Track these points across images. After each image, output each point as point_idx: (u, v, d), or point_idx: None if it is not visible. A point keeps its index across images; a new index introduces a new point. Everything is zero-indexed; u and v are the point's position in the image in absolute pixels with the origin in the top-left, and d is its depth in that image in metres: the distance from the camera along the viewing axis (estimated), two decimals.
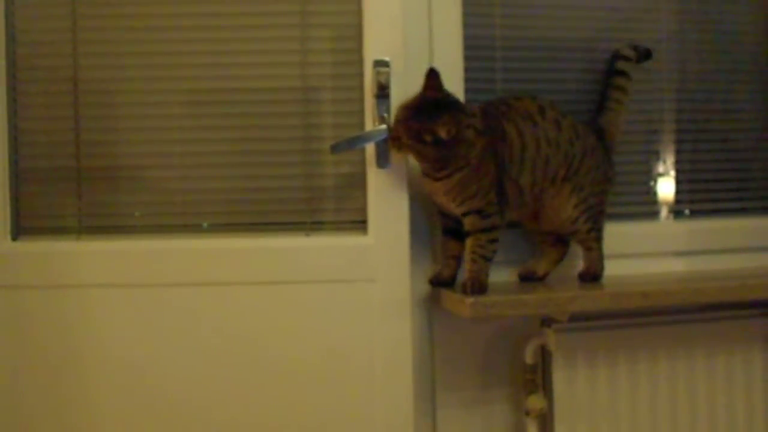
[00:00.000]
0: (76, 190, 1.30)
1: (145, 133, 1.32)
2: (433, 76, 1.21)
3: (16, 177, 1.29)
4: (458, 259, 1.29)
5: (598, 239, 1.33)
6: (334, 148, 1.26)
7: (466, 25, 1.38)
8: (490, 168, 1.23)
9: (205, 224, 1.33)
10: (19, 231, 1.29)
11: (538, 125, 1.27)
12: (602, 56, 1.46)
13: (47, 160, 1.30)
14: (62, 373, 1.25)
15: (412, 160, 1.26)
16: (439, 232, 1.33)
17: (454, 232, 1.29)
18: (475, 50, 1.41)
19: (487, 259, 1.24)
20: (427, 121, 1.18)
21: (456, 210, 1.25)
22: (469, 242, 1.24)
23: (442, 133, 1.17)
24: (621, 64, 1.41)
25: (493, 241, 1.24)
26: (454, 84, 1.36)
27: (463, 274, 1.26)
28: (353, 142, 1.27)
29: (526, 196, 1.27)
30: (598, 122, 1.39)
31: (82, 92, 1.30)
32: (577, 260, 1.38)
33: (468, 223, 1.24)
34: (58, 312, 1.25)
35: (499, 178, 1.24)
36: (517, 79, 1.44)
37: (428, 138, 1.18)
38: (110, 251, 1.27)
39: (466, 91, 1.38)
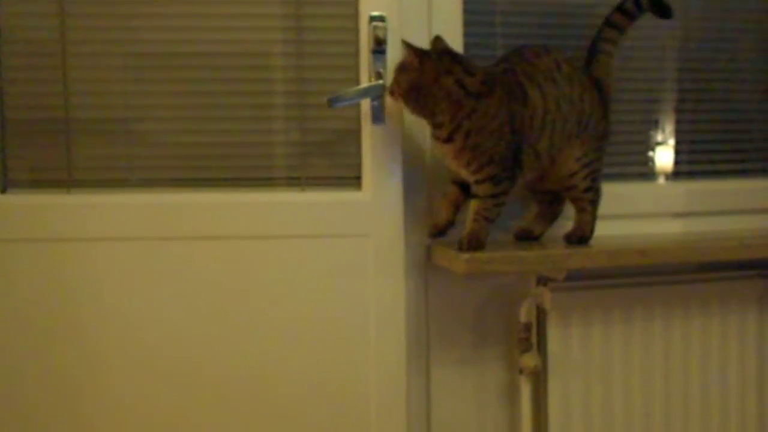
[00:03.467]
0: (65, 142, 1.27)
1: (137, 84, 1.29)
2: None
3: (4, 129, 1.26)
4: (457, 206, 1.28)
5: (594, 202, 1.31)
6: (332, 102, 1.23)
7: None
8: (505, 133, 1.20)
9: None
10: (7, 184, 1.27)
11: (558, 84, 1.24)
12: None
13: (35, 111, 1.28)
14: (52, 326, 1.24)
15: (409, 117, 1.25)
16: (436, 187, 1.33)
17: (462, 184, 1.26)
18: (475, 5, 1.38)
19: (489, 220, 1.22)
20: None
21: (470, 177, 1.22)
22: (473, 204, 1.23)
23: (408, 61, 1.18)
24: (617, 17, 1.34)
25: (500, 205, 1.22)
26: (452, 44, 1.33)
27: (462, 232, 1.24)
28: (352, 97, 1.25)
29: (543, 161, 1.25)
30: (592, 75, 1.33)
31: (70, 42, 1.27)
32: (571, 222, 1.36)
33: (481, 189, 1.21)
34: (47, 265, 1.24)
35: (518, 144, 1.21)
36: (517, 38, 1.41)
37: (400, 72, 1.19)
38: (101, 204, 1.25)
39: (465, 51, 1.35)
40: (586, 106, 1.27)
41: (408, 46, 1.20)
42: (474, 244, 1.21)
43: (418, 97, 1.19)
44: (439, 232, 1.29)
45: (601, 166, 1.31)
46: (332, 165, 1.33)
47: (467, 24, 1.36)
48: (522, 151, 1.22)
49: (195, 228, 1.26)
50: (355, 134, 1.30)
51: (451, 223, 1.28)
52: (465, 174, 1.23)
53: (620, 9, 1.34)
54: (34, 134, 1.28)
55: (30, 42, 1.27)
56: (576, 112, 1.25)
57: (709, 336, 1.39)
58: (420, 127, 1.32)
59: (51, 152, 1.28)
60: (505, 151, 1.20)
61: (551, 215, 1.36)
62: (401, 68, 1.20)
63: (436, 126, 1.21)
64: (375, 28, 1.25)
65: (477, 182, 1.21)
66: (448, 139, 1.21)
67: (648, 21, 1.42)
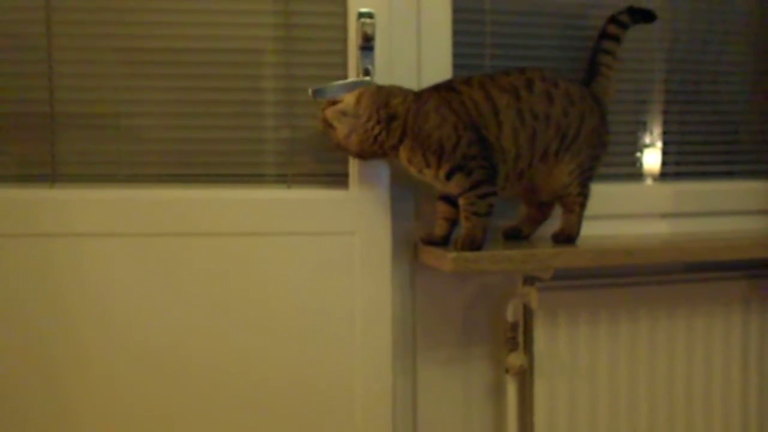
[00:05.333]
0: (50, 137, 1.26)
1: (123, 80, 1.28)
2: None
3: None
4: (451, 221, 1.27)
5: (582, 204, 1.31)
6: (316, 93, 1.23)
7: None
8: (445, 115, 1.19)
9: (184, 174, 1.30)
10: None
11: (521, 99, 1.23)
12: (595, 24, 1.44)
13: (20, 105, 1.26)
14: (36, 321, 1.23)
15: None
16: (422, 185, 1.30)
17: (449, 198, 1.26)
18: (464, 4, 1.37)
19: (481, 215, 1.20)
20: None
21: (440, 178, 1.20)
22: (461, 203, 1.22)
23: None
24: (613, 28, 1.37)
25: (484, 196, 1.20)
26: (441, 43, 1.34)
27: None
28: (336, 90, 1.24)
29: (509, 167, 1.23)
30: (590, 89, 1.35)
31: (56, 36, 1.25)
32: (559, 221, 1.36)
33: (456, 185, 1.20)
34: (31, 260, 1.22)
35: (475, 129, 1.20)
36: (506, 42, 1.41)
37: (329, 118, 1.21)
38: (86, 199, 1.24)
39: (455, 50, 1.35)
40: (573, 120, 1.26)
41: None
42: (469, 244, 1.19)
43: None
44: (434, 243, 1.27)
45: (594, 173, 1.31)
46: (319, 162, 1.32)
47: (456, 21, 1.36)
48: (488, 141, 1.21)
49: (181, 224, 1.25)
50: None
51: (446, 239, 1.27)
52: (431, 177, 1.21)
53: (614, 20, 1.36)
54: (18, 128, 1.26)
55: (15, 36, 1.26)
56: (554, 128, 1.25)
57: (694, 336, 1.39)
58: None
59: (35, 147, 1.26)
60: (453, 133, 1.19)
61: (541, 217, 1.35)
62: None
63: (390, 118, 1.20)
64: (363, 24, 1.25)
65: (447, 178, 1.20)
66: (402, 136, 1.20)
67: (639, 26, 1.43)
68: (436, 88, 1.24)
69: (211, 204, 1.26)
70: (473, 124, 1.21)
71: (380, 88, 1.23)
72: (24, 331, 1.23)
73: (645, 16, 1.38)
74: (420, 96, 1.23)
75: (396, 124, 1.20)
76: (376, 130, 1.20)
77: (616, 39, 1.37)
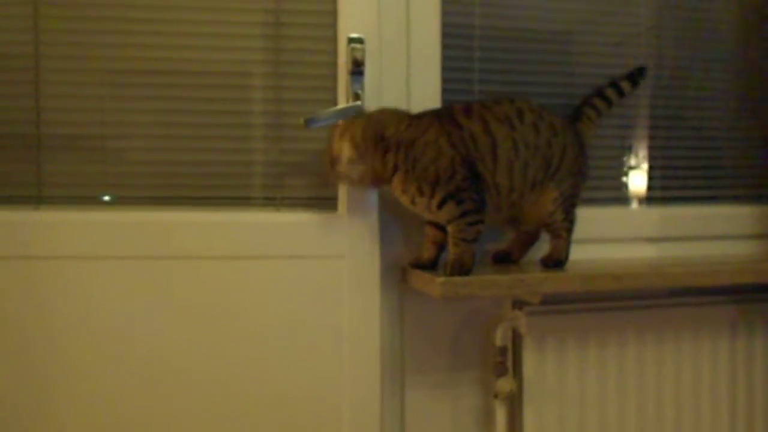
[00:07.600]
0: (36, 158, 1.25)
1: (112, 102, 1.27)
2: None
3: None
4: (439, 245, 1.27)
5: (569, 229, 1.32)
6: (309, 122, 1.23)
7: (445, 13, 1.37)
8: (443, 147, 1.19)
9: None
10: None
11: (516, 129, 1.24)
12: (582, 49, 1.47)
13: (5, 126, 1.25)
14: (21, 344, 1.21)
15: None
16: (411, 216, 1.31)
17: (437, 223, 1.26)
18: (453, 30, 1.39)
19: (470, 241, 1.21)
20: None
21: (432, 206, 1.20)
22: (449, 229, 1.22)
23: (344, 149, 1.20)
24: (609, 92, 1.40)
25: (474, 224, 1.21)
26: (430, 69, 1.35)
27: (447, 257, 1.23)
28: (328, 117, 1.24)
29: (502, 200, 1.24)
30: (573, 125, 1.37)
31: (44, 57, 1.25)
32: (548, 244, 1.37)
33: (446, 213, 1.20)
34: (16, 282, 1.21)
35: (469, 162, 1.21)
36: (494, 68, 1.43)
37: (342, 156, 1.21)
38: (72, 222, 1.23)
39: (444, 75, 1.37)
40: (556, 151, 1.27)
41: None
42: (458, 269, 1.19)
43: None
44: (422, 266, 1.27)
45: (577, 199, 1.32)
46: (308, 185, 1.32)
47: (445, 47, 1.37)
48: (480, 173, 1.21)
49: (169, 248, 1.24)
50: None
51: (434, 263, 1.27)
52: (423, 206, 1.21)
53: (613, 84, 1.40)
54: (3, 150, 1.25)
55: (2, 56, 1.25)
56: (541, 157, 1.25)
57: (682, 360, 1.39)
58: None
59: (21, 168, 1.25)
60: (450, 167, 1.19)
61: (529, 241, 1.36)
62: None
63: (385, 150, 1.20)
64: (353, 49, 1.26)
65: (439, 207, 1.20)
66: (395, 168, 1.20)
67: (619, 48, 1.45)
68: (438, 116, 1.23)
69: (200, 227, 1.25)
70: (470, 160, 1.21)
71: (369, 120, 1.21)
72: (10, 354, 1.21)
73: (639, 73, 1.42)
74: (419, 123, 1.22)
75: (389, 156, 1.21)
76: (378, 165, 1.21)
77: (609, 101, 1.39)
